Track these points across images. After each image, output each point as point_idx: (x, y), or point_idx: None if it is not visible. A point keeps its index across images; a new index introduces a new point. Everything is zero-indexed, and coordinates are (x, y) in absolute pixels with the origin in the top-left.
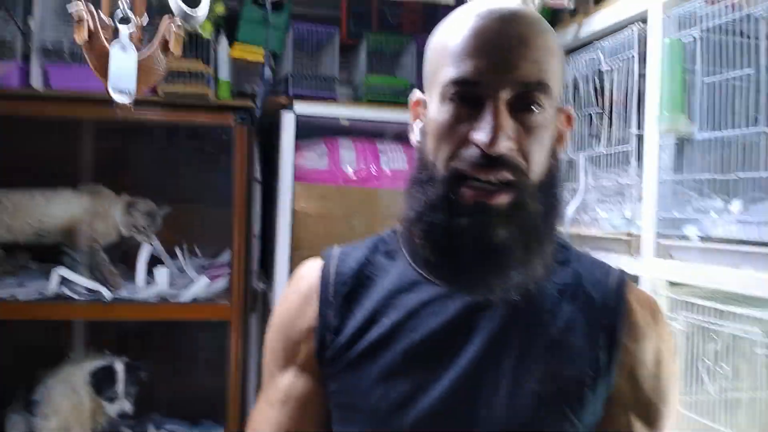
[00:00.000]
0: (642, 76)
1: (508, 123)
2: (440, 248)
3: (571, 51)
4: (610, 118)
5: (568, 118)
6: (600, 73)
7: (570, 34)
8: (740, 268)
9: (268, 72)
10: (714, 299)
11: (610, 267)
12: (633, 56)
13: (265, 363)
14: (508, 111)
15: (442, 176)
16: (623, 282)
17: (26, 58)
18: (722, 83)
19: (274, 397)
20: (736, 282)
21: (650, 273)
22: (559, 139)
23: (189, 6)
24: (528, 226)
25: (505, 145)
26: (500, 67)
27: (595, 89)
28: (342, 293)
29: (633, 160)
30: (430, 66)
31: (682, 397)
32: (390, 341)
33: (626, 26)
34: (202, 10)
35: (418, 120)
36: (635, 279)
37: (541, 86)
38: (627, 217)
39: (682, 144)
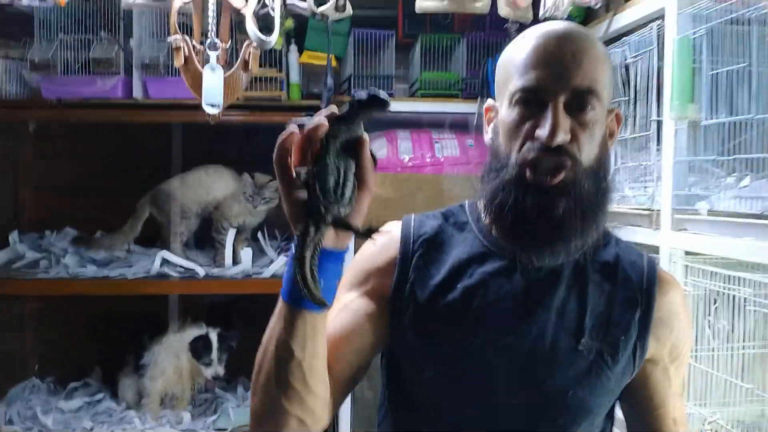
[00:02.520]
0: (660, 68)
1: (564, 121)
2: (512, 222)
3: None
4: (635, 107)
5: (617, 118)
6: (627, 65)
7: (602, 29)
8: (742, 238)
9: (330, 81)
10: (724, 266)
11: (641, 252)
12: (653, 51)
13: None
14: (565, 111)
15: (513, 164)
16: (655, 266)
17: (128, 73)
18: (723, 75)
19: (334, 308)
20: (740, 250)
21: (668, 244)
22: (610, 134)
23: (264, 33)
24: (582, 200)
25: (562, 138)
26: (558, 77)
27: (623, 80)
28: (420, 253)
29: (653, 144)
30: (501, 77)
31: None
32: (464, 304)
33: (648, 23)
34: (274, 37)
35: (492, 123)
36: (656, 249)
37: (592, 91)
38: (648, 194)
39: (695, 128)
